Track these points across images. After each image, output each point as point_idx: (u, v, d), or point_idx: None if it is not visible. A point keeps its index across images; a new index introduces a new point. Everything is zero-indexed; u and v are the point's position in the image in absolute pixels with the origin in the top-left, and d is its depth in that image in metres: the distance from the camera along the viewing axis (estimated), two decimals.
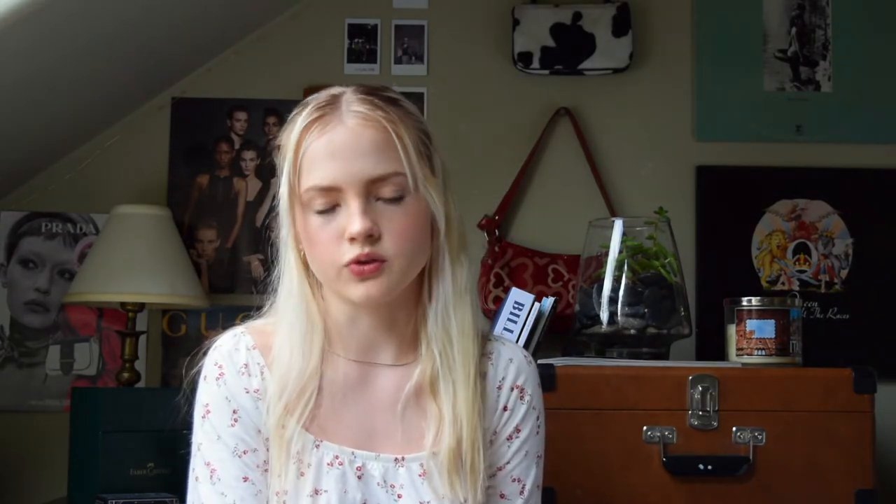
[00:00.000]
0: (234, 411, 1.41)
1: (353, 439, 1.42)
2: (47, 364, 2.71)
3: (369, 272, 1.36)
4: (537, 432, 1.50)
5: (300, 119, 1.40)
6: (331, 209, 1.38)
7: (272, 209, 1.48)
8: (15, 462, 2.67)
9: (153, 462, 2.30)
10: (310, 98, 1.44)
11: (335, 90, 1.43)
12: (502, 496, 1.47)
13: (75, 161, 2.77)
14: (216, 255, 2.76)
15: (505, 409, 1.48)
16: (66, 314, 2.73)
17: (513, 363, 1.50)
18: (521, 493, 1.48)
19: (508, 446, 1.48)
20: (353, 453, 1.41)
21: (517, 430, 1.48)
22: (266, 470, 1.40)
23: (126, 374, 2.52)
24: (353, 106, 1.39)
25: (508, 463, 1.47)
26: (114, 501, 2.20)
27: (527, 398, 1.49)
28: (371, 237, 1.36)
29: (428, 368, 1.43)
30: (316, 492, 1.38)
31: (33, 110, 2.49)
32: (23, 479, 2.67)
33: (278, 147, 1.45)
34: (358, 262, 1.36)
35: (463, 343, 1.44)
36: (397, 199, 1.38)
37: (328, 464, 1.40)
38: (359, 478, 1.40)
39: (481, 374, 1.46)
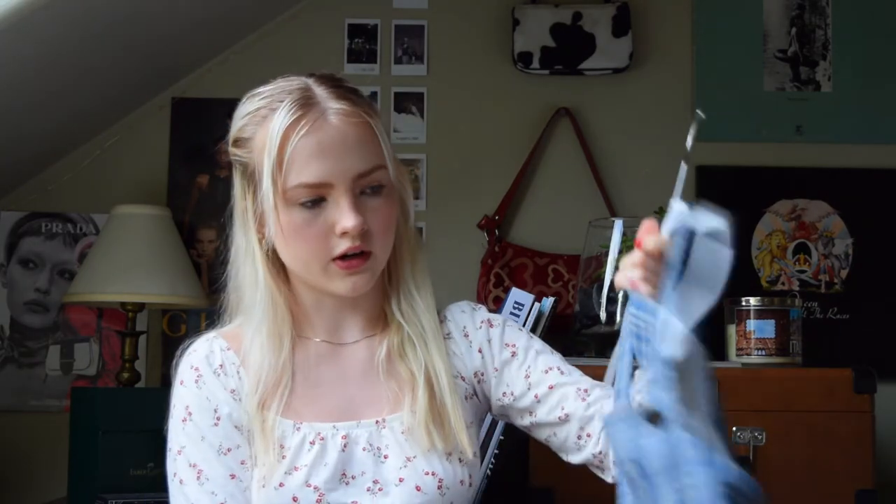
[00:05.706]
0: (216, 410, 1.44)
1: (333, 414, 1.45)
2: (47, 364, 2.71)
3: (357, 265, 1.40)
4: (530, 336, 1.53)
5: (279, 116, 1.39)
6: (317, 205, 1.39)
7: (230, 209, 1.49)
8: (15, 462, 2.67)
9: (153, 462, 2.29)
10: (273, 91, 1.44)
11: (295, 82, 1.45)
12: (551, 387, 1.48)
13: (75, 161, 2.77)
14: (216, 255, 2.76)
15: (487, 344, 1.51)
16: (66, 314, 2.73)
17: (465, 312, 1.54)
18: (562, 372, 1.49)
19: (517, 364, 1.50)
20: (334, 426, 1.43)
21: (511, 349, 1.51)
22: (248, 466, 1.43)
23: (126, 374, 2.52)
24: (331, 102, 1.41)
25: (529, 372, 1.49)
26: (114, 501, 2.20)
27: (497, 323, 1.52)
28: (362, 231, 1.39)
29: (396, 336, 1.47)
30: (295, 469, 1.41)
31: (33, 110, 2.49)
32: (23, 479, 2.67)
33: (239, 140, 1.44)
34: (346, 256, 1.39)
35: (429, 313, 1.49)
36: (379, 192, 1.42)
37: (310, 442, 1.42)
38: (343, 448, 1.42)
39: (445, 336, 1.50)
